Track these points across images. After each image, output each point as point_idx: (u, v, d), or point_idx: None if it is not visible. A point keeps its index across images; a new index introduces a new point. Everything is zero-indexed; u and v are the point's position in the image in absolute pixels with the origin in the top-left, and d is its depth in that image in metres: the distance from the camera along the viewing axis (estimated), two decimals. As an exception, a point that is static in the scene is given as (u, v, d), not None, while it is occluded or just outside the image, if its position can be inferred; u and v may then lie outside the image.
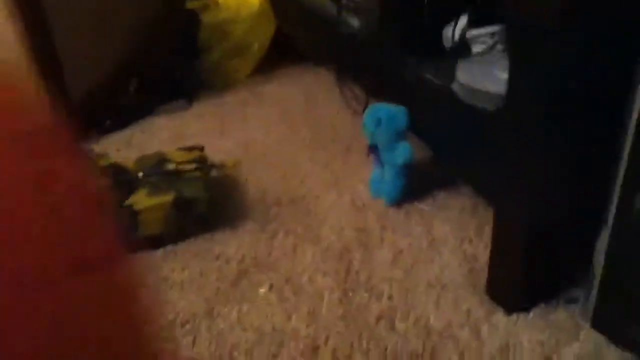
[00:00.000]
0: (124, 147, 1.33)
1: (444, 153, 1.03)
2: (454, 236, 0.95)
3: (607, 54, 0.65)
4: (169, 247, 0.97)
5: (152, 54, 1.58)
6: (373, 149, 1.05)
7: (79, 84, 1.35)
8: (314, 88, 1.57)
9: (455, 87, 0.87)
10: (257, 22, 1.61)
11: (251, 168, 1.20)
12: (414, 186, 1.05)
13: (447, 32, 0.98)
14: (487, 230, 0.95)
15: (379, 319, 0.80)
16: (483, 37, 0.91)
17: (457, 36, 0.95)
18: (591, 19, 0.62)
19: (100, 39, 1.46)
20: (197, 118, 1.46)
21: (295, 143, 1.29)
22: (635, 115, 0.61)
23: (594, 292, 0.73)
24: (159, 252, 0.96)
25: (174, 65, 1.61)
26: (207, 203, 0.98)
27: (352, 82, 1.36)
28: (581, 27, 0.62)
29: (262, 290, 0.87)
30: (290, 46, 1.66)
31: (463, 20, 0.95)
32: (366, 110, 1.05)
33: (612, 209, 0.67)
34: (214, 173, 1.12)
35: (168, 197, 0.95)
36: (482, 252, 0.91)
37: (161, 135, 1.38)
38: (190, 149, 1.10)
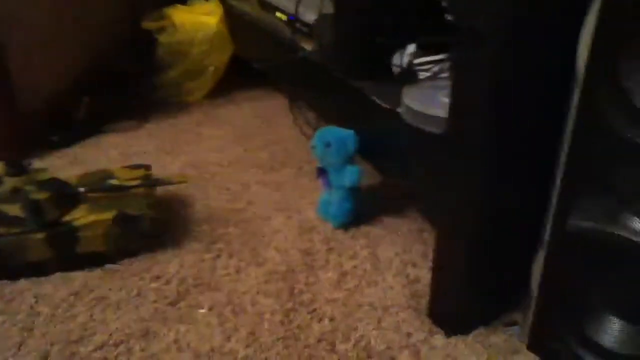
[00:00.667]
0: (70, 164, 1.30)
1: (393, 175, 1.04)
2: (398, 259, 0.95)
3: (542, 72, 0.67)
4: (109, 266, 0.94)
5: (106, 71, 1.56)
6: (322, 171, 1.06)
7: (28, 96, 1.32)
8: (269, 111, 1.57)
9: (401, 110, 0.89)
10: (214, 44, 1.61)
11: (200, 188, 1.18)
12: (362, 209, 1.06)
13: (396, 58, 1.00)
14: (432, 254, 0.96)
15: (319, 340, 0.79)
16: (429, 64, 0.94)
17: (405, 62, 0.97)
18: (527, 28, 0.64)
19: (54, 53, 1.43)
20: (149, 137, 1.44)
21: (247, 165, 1.28)
22: (568, 136, 0.63)
23: (531, 313, 0.74)
24: (98, 271, 0.93)
25: (127, 84, 1.59)
26: (151, 221, 0.96)
27: (305, 105, 1.37)
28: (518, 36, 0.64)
29: (201, 311, 0.85)
30: (246, 70, 1.67)
31: (411, 48, 0.98)
32: (316, 133, 1.06)
33: (547, 229, 0.68)
34: (159, 191, 1.10)
35: (110, 214, 0.92)
36: (426, 275, 0.91)
37: (109, 154, 1.35)
38: (136, 167, 1.08)
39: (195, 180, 1.21)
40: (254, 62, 1.56)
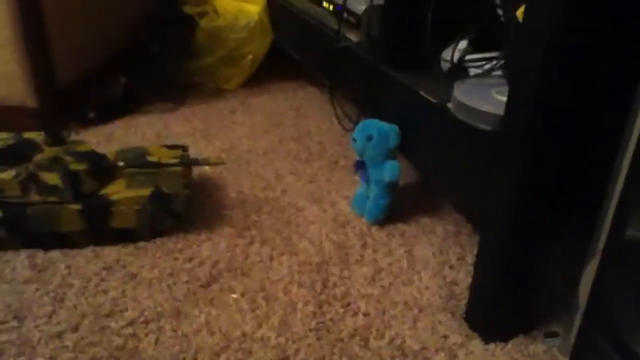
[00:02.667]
0: (105, 141, 1.30)
1: (433, 173, 1.02)
2: (435, 260, 0.93)
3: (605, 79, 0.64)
4: (141, 243, 0.93)
5: (145, 52, 1.56)
6: (360, 165, 1.04)
7: (67, 70, 1.32)
8: (304, 103, 1.56)
9: (451, 105, 0.86)
10: (254, 33, 1.60)
11: (234, 174, 1.17)
12: (398, 208, 1.04)
13: (446, 54, 0.97)
14: (469, 257, 0.93)
15: (352, 335, 0.77)
16: (481, 61, 0.91)
17: (456, 58, 0.94)
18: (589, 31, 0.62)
19: (95, 30, 1.43)
20: (183, 121, 1.44)
21: (281, 155, 1.27)
22: (633, 143, 0.60)
23: (576, 325, 0.71)
24: (130, 247, 0.92)
25: (166, 66, 1.59)
26: (186, 201, 0.95)
27: (345, 98, 1.35)
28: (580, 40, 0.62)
29: (233, 296, 0.83)
30: (284, 62, 1.66)
31: (463, 44, 0.95)
32: (357, 126, 1.04)
33: (602, 238, 0.65)
34: (194, 173, 1.08)
35: (146, 191, 0.91)
36: (463, 278, 0.89)
37: (145, 133, 1.34)
38: (174, 146, 1.07)
39: (229, 167, 1.20)
40: (295, 53, 1.54)
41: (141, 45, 1.59)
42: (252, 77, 1.64)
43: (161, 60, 1.60)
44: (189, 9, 1.66)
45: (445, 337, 0.77)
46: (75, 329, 0.75)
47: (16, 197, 0.86)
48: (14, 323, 0.75)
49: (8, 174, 0.86)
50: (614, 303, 0.69)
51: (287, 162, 1.23)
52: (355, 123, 1.07)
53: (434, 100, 0.93)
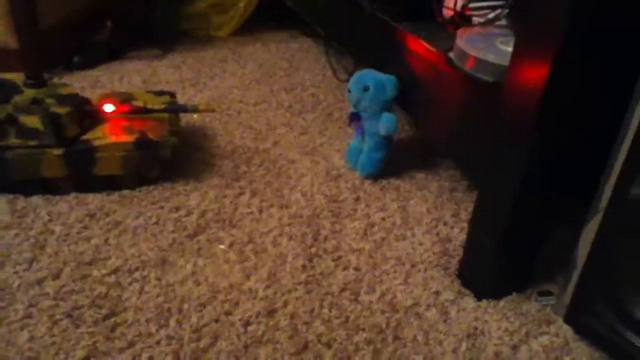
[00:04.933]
0: (90, 86, 1.25)
1: (432, 127, 0.99)
2: (429, 216, 0.91)
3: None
4: (126, 191, 0.90)
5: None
6: (355, 117, 1.00)
7: (52, 12, 1.26)
8: (298, 54, 1.51)
9: (452, 54, 0.82)
10: (247, -21, 1.53)
11: (224, 124, 1.13)
12: (392, 162, 1.01)
13: (448, 1, 0.93)
14: (464, 214, 0.91)
15: (343, 289, 0.75)
16: (485, 9, 0.87)
17: (458, 5, 0.90)
18: None
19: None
20: (172, 68, 1.38)
21: (273, 105, 1.23)
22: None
23: (572, 284, 0.69)
24: (115, 195, 0.89)
25: (155, 12, 1.53)
26: (173, 148, 0.91)
27: (341, 49, 1.30)
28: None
29: (221, 247, 0.81)
30: (277, 10, 1.59)
31: (466, -8, 0.91)
32: (353, 76, 1.00)
33: (605, 196, 0.63)
34: (182, 122, 1.05)
35: (131, 137, 0.87)
36: (457, 235, 0.87)
37: (132, 79, 1.29)
38: (161, 93, 1.03)
39: (219, 116, 1.16)
40: (290, 1, 1.48)
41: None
42: (243, 25, 1.58)
43: (150, 5, 1.53)
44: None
45: (437, 293, 0.76)
46: (57, 276, 0.72)
47: (-6, 139, 0.82)
48: (-7, 269, 0.73)
49: (-14, 115, 0.82)
50: (613, 264, 0.67)
51: (279, 113, 1.19)
52: (351, 74, 1.03)
53: (434, 50, 0.89)
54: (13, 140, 0.83)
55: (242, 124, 1.14)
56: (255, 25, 1.58)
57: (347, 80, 1.01)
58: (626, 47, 0.62)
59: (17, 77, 0.91)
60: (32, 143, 0.83)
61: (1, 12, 1.16)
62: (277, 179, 0.97)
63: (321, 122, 1.17)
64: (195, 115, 1.11)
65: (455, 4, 0.91)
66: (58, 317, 0.67)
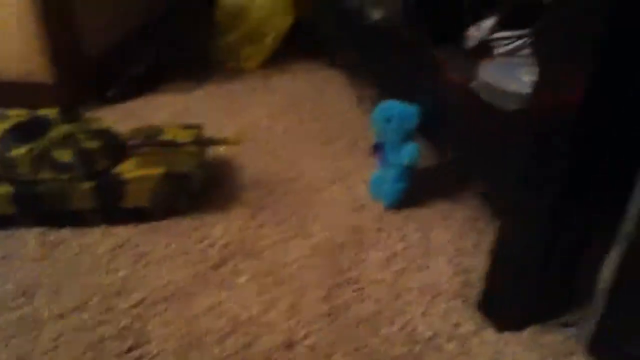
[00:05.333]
0: (122, 119, 1.29)
1: (454, 155, 0.98)
2: (451, 246, 0.90)
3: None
4: (154, 223, 0.92)
5: (165, 30, 1.55)
6: (379, 147, 1.01)
7: (89, 47, 1.31)
8: (324, 85, 1.53)
9: (475, 85, 0.83)
10: (275, 11, 1.57)
11: (251, 154, 1.15)
12: (415, 192, 1.01)
13: (472, 31, 0.93)
14: (486, 245, 0.90)
15: (363, 320, 0.75)
16: (508, 39, 0.87)
17: (481, 36, 0.91)
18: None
19: (120, 5, 1.42)
20: (203, 99, 1.42)
21: (300, 135, 1.24)
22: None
23: (596, 315, 0.68)
24: (143, 226, 0.91)
25: (185, 45, 1.58)
26: (201, 181, 0.94)
27: (365, 79, 1.32)
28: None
29: (244, 279, 0.82)
30: (305, 42, 1.63)
31: (490, 21, 0.91)
32: (376, 107, 1.01)
33: (630, 224, 0.62)
34: (210, 152, 1.07)
35: (159, 170, 0.90)
36: (478, 265, 0.86)
37: (163, 112, 1.34)
38: (189, 126, 1.06)
39: (248, 146, 1.18)
40: (317, 31, 1.51)
41: (164, 23, 1.58)
42: (272, 56, 1.61)
43: (182, 38, 1.58)
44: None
45: (458, 325, 0.75)
46: (84, 307, 0.75)
47: (28, 173, 0.86)
48: (24, 300, 0.75)
49: (21, 151, 0.86)
50: (638, 293, 0.66)
51: (306, 142, 1.21)
52: (375, 104, 1.04)
53: (457, 79, 0.90)
54: (46, 174, 0.87)
55: (269, 154, 1.16)
56: (283, 57, 1.61)
57: (372, 110, 1.02)
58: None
59: (51, 112, 0.95)
60: (64, 176, 0.87)
61: (40, 48, 1.22)
62: (301, 208, 0.98)
63: (347, 151, 1.18)
64: (223, 147, 1.14)
65: (479, 34, 0.92)
66: (83, 349, 0.69)
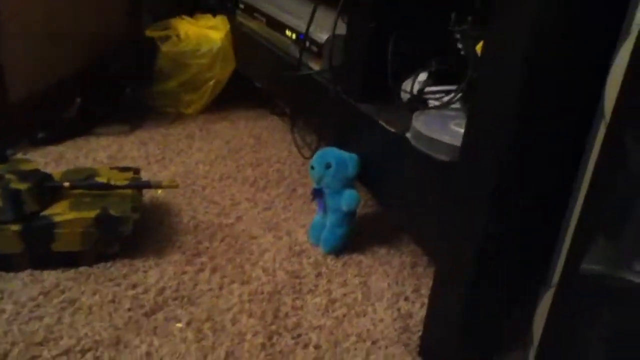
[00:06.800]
0: (54, 162, 1.24)
1: (392, 204, 1.01)
2: (390, 292, 0.91)
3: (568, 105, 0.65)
4: (83, 268, 0.88)
5: (102, 74, 1.53)
6: (317, 193, 1.02)
7: (20, 88, 1.27)
8: (265, 131, 1.54)
9: (410, 135, 0.86)
10: (217, 59, 1.59)
11: (188, 200, 1.14)
12: (354, 237, 1.02)
13: (406, 85, 0.98)
14: (425, 290, 0.92)
15: (302, 368, 0.74)
16: (440, 93, 0.91)
17: (415, 90, 0.95)
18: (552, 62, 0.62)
19: (53, 48, 1.39)
20: (139, 144, 1.40)
21: (238, 181, 1.24)
22: (588, 173, 0.60)
23: (531, 358, 0.69)
24: (71, 272, 0.87)
25: (123, 89, 1.56)
26: (134, 225, 0.91)
27: (305, 127, 1.34)
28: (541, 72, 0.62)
29: (178, 325, 0.79)
30: (245, 89, 1.65)
31: (423, 76, 0.96)
32: (316, 153, 1.02)
33: (557, 269, 0.65)
34: (145, 197, 1.05)
35: (92, 213, 0.87)
36: (418, 310, 0.87)
37: (97, 156, 1.30)
38: (125, 169, 1.04)
39: (184, 192, 1.16)
40: (257, 80, 1.53)
41: (100, 67, 1.55)
42: (212, 103, 1.62)
43: (120, 82, 1.56)
44: (151, 33, 1.64)
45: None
46: (4, 357, 0.69)
47: (-49, 215, 0.81)
48: None
49: (-57, 191, 0.81)
50: (569, 339, 0.68)
51: (244, 188, 1.21)
52: (315, 151, 1.06)
53: (393, 130, 0.93)
54: (-30, 217, 0.82)
55: (206, 199, 1.14)
56: (224, 103, 1.62)
57: (312, 157, 1.03)
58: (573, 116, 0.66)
59: (-22, 152, 0.91)
60: (-11, 219, 0.82)
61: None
62: (239, 254, 0.97)
63: (285, 197, 1.18)
64: (159, 191, 1.12)
65: (412, 88, 0.96)
66: (1, 402, 0.64)
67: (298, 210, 1.13)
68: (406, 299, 0.90)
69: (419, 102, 0.96)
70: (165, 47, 1.57)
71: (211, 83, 1.59)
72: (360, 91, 1.06)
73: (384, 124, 0.96)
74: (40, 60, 1.35)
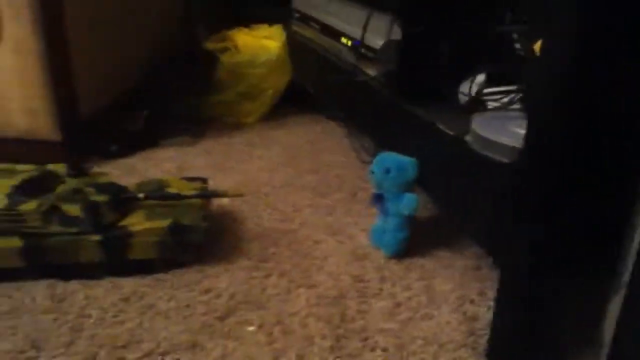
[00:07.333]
0: (126, 173, 1.31)
1: (452, 206, 1.01)
2: (454, 295, 0.91)
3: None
4: (159, 275, 0.93)
5: (167, 86, 1.60)
6: (378, 198, 1.03)
7: (90, 104, 1.35)
8: (321, 137, 1.57)
9: (469, 138, 0.86)
10: (274, 68, 1.63)
11: (252, 207, 1.17)
12: (416, 241, 1.03)
13: (464, 87, 0.98)
14: (490, 292, 0.92)
15: (371, 370, 0.76)
16: (499, 94, 0.91)
17: (473, 92, 0.95)
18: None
19: (118, 63, 1.47)
20: (202, 154, 1.45)
21: (299, 187, 1.27)
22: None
23: (602, 362, 0.69)
24: (148, 279, 0.92)
25: (186, 101, 1.62)
26: (205, 233, 0.95)
27: (362, 131, 1.36)
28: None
29: (250, 329, 0.83)
30: (302, 97, 1.68)
31: (481, 77, 0.96)
32: (375, 158, 1.04)
33: (627, 269, 0.64)
34: (212, 205, 1.09)
35: (165, 222, 0.92)
36: (484, 313, 0.87)
37: (164, 167, 1.36)
38: (193, 179, 1.08)
39: (247, 199, 1.20)
40: (313, 87, 1.57)
41: (163, 80, 1.63)
42: (270, 111, 1.66)
43: (182, 94, 1.63)
44: (210, 45, 1.70)
45: (466, 373, 0.76)
46: (92, 359, 0.75)
47: (37, 227, 0.88)
48: (33, 353, 0.75)
49: (30, 205, 0.88)
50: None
51: (305, 194, 1.23)
52: (373, 156, 1.07)
53: (451, 133, 0.94)
54: (55, 228, 0.88)
55: (269, 206, 1.18)
56: (282, 111, 1.66)
57: (370, 162, 1.05)
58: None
59: (60, 167, 0.97)
60: (72, 230, 0.88)
61: (46, 107, 1.25)
62: (304, 259, 1.00)
63: (346, 202, 1.20)
64: (225, 200, 1.16)
65: (470, 90, 0.96)
66: (93, 401, 0.68)
67: (359, 215, 1.15)
68: (471, 301, 0.90)
69: (477, 104, 0.96)
70: (224, 58, 1.62)
71: (269, 92, 1.63)
72: (416, 95, 1.07)
73: (442, 127, 0.97)
74: (107, 76, 1.43)
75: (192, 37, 1.77)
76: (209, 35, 1.78)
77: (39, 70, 1.21)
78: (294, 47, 1.62)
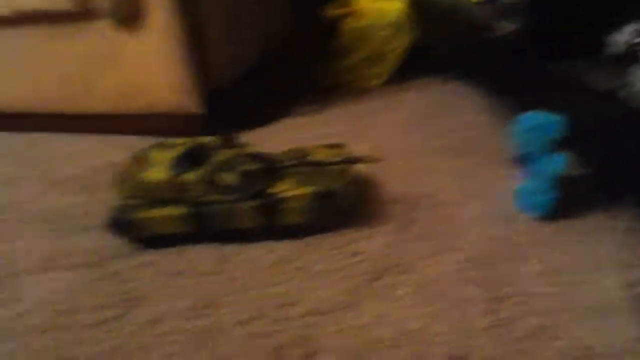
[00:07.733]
0: (260, 143, 1.36)
1: (604, 166, 0.96)
2: (612, 259, 0.87)
3: None
4: (308, 239, 0.97)
5: (289, 55, 1.63)
6: (522, 158, 1.00)
7: (226, 77, 1.41)
8: (448, 98, 1.54)
9: (625, 93, 0.81)
10: (396, 30, 1.61)
11: (386, 172, 1.18)
12: (567, 203, 0.98)
13: (614, 37, 0.91)
14: (654, 256, 0.86)
15: (531, 334, 0.75)
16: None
17: (623, 43, 0.88)
18: None
19: (248, 36, 1.52)
20: (330, 121, 1.48)
21: (431, 150, 1.26)
22: None
23: None
24: (299, 242, 0.96)
25: (309, 69, 1.65)
26: (348, 197, 0.98)
27: (498, 90, 1.31)
28: None
29: (401, 292, 0.84)
30: (425, 57, 1.64)
31: (630, 27, 0.89)
32: (519, 118, 1.00)
33: None
34: (356, 169, 1.11)
35: (312, 188, 0.95)
36: (647, 278, 0.82)
37: (296, 136, 1.40)
38: (332, 145, 1.11)
39: (381, 164, 1.21)
40: (440, 47, 1.53)
41: (287, 49, 1.66)
42: (395, 74, 1.65)
43: (306, 62, 1.65)
44: (332, 11, 1.70)
45: (636, 339, 0.72)
46: (260, 317, 0.80)
47: (199, 196, 0.94)
48: (207, 311, 0.82)
49: (191, 175, 0.95)
50: None
51: (439, 157, 1.22)
52: (512, 116, 1.04)
53: (602, 87, 0.88)
54: (215, 196, 0.94)
55: (403, 170, 1.18)
56: (407, 73, 1.64)
57: (509, 122, 1.01)
58: None
59: (212, 139, 1.04)
60: (230, 197, 0.94)
61: (190, 84, 1.33)
62: (447, 223, 0.99)
63: (482, 164, 1.17)
64: (360, 165, 1.17)
65: (627, 40, 0.90)
66: (264, 356, 0.74)
67: (497, 177, 1.12)
68: (630, 265, 0.85)
69: (629, 55, 0.89)
70: (346, 24, 1.62)
71: (393, 54, 1.62)
72: (555, 50, 1.02)
73: (590, 81, 0.91)
74: (237, 51, 1.49)
75: (316, 5, 1.77)
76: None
77: (181, 51, 1.29)
78: (419, 5, 1.58)
